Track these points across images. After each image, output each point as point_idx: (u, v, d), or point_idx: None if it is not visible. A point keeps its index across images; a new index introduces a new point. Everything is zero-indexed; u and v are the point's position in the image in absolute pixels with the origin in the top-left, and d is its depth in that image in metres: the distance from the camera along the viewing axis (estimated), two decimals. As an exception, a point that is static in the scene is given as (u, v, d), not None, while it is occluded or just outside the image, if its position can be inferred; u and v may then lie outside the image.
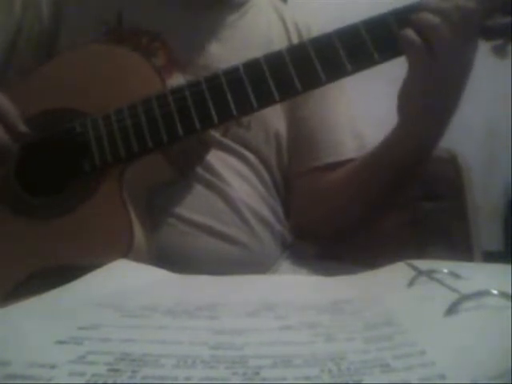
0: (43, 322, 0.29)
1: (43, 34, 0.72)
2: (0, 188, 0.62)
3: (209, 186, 0.68)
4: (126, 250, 0.56)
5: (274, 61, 0.60)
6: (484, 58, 0.59)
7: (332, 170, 0.75)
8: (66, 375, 0.21)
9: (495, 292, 0.26)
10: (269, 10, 0.80)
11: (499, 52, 0.59)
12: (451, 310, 0.26)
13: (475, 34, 0.58)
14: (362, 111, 0.84)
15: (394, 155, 0.66)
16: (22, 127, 0.61)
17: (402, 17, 0.59)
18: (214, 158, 0.69)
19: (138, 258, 0.52)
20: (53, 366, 0.22)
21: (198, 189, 0.68)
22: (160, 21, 0.72)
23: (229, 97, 0.59)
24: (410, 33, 0.58)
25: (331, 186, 0.74)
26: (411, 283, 0.35)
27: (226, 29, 0.75)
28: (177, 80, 0.66)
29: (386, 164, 0.67)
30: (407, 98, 0.63)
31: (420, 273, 0.35)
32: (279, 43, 0.73)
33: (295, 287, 0.45)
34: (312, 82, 0.60)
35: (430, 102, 0.61)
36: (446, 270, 0.34)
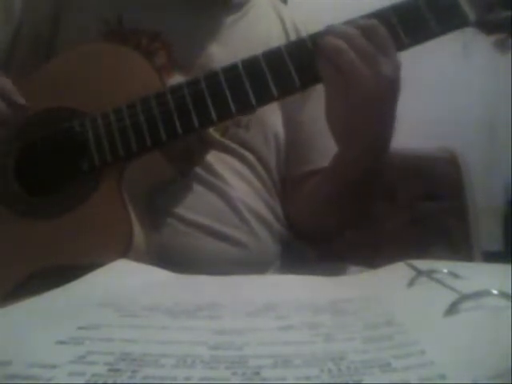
0: (43, 321, 0.29)
1: (43, 33, 0.72)
2: (0, 188, 0.62)
3: (208, 186, 0.68)
4: (125, 249, 0.56)
5: (273, 57, 0.60)
6: (484, 58, 0.59)
7: None
8: (66, 375, 0.21)
9: (495, 292, 0.26)
10: (268, 10, 0.80)
11: (501, 46, 0.58)
12: (451, 309, 0.26)
13: (389, 49, 0.57)
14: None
15: (342, 177, 0.67)
16: (20, 99, 0.61)
17: (402, 10, 0.59)
18: (214, 158, 0.69)
19: (138, 258, 0.52)
20: (53, 366, 0.22)
21: (198, 189, 0.68)
22: (160, 21, 0.72)
23: (228, 94, 0.59)
24: (322, 58, 0.57)
25: (313, 190, 0.74)
26: (411, 283, 0.35)
27: (226, 29, 0.75)
28: (177, 80, 0.66)
29: (338, 177, 0.68)
30: (332, 124, 0.62)
31: (420, 273, 0.35)
32: (278, 43, 0.73)
33: (295, 287, 0.44)
34: (311, 78, 0.60)
35: (354, 126, 0.60)
36: (445, 270, 0.34)
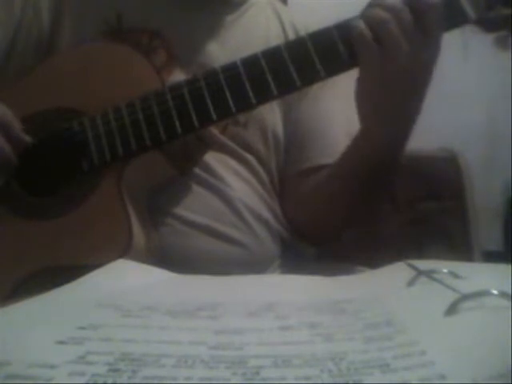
0: (43, 321, 0.29)
1: (43, 33, 0.72)
2: (0, 188, 0.62)
3: (208, 186, 0.68)
4: (125, 249, 0.56)
5: (273, 56, 0.60)
6: (484, 57, 0.59)
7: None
8: (65, 375, 0.21)
9: (495, 292, 0.26)
10: (267, 10, 0.80)
11: (501, 43, 0.58)
12: (451, 309, 0.26)
13: (433, 33, 0.57)
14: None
15: (359, 159, 0.66)
16: (25, 138, 0.62)
17: None
18: (213, 159, 0.69)
19: (138, 258, 0.52)
20: (53, 366, 0.22)
21: (197, 189, 0.68)
22: (160, 20, 0.72)
23: (227, 93, 0.59)
24: (362, 27, 0.58)
25: (316, 188, 0.74)
26: (411, 283, 0.35)
27: (225, 28, 0.75)
28: (177, 78, 0.66)
29: (352, 169, 0.67)
30: (361, 99, 0.62)
31: (420, 273, 0.35)
32: (277, 43, 0.73)
33: (295, 287, 0.44)
34: (311, 76, 0.60)
35: (383, 103, 0.60)
36: (445, 270, 0.34)
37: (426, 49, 0.57)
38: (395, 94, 0.59)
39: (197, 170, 0.68)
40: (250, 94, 0.59)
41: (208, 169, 0.69)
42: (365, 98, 0.62)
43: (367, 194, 0.69)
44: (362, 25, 0.58)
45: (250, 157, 0.73)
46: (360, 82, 0.61)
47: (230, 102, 0.59)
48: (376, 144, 0.64)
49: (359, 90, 0.62)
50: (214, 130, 0.69)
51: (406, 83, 0.59)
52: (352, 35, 0.58)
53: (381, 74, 0.58)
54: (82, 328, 0.28)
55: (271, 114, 0.74)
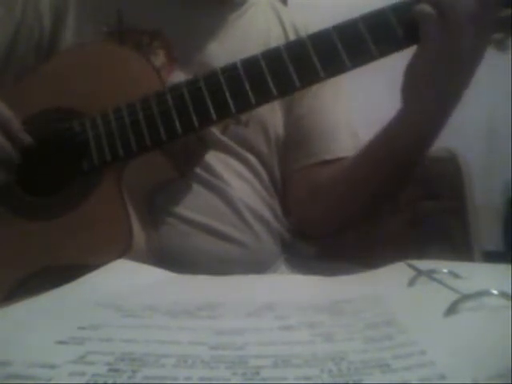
0: (43, 321, 0.29)
1: (43, 34, 0.72)
2: (0, 188, 0.62)
3: (208, 185, 0.68)
4: (125, 249, 0.56)
5: (272, 57, 0.60)
6: (484, 57, 0.59)
7: (329, 167, 0.75)
8: (66, 375, 0.21)
9: (495, 292, 0.26)
10: (267, 10, 0.80)
11: (499, 45, 0.58)
12: (451, 309, 0.26)
13: (489, 17, 0.57)
14: (359, 112, 0.84)
15: (393, 144, 0.66)
16: (25, 136, 0.62)
17: (401, 11, 0.59)
18: (214, 158, 0.69)
19: (138, 258, 0.52)
20: (53, 366, 0.22)
21: (198, 189, 0.68)
22: (160, 20, 0.72)
23: (227, 94, 0.60)
24: (424, 5, 0.57)
25: (329, 183, 0.73)
26: (411, 283, 0.35)
27: (225, 28, 0.75)
28: (177, 78, 0.67)
29: (384, 155, 0.67)
30: (413, 74, 0.61)
31: (420, 273, 0.35)
32: (277, 43, 0.73)
33: (295, 287, 0.45)
34: (310, 77, 0.60)
35: (433, 81, 0.60)
36: (445, 270, 0.34)
37: (484, 28, 0.57)
38: (449, 73, 0.59)
39: (197, 170, 0.68)
40: (250, 94, 0.59)
41: (208, 168, 0.69)
42: (417, 76, 0.61)
43: (392, 184, 0.69)
44: (425, 6, 0.57)
45: (250, 156, 0.73)
46: (416, 58, 0.60)
47: (230, 103, 0.59)
48: (414, 128, 0.63)
49: (412, 68, 0.61)
50: (215, 130, 0.69)
51: (460, 63, 0.58)
52: (413, 12, 0.58)
53: (440, 52, 0.58)
54: (82, 328, 0.28)
55: (272, 112, 0.74)
